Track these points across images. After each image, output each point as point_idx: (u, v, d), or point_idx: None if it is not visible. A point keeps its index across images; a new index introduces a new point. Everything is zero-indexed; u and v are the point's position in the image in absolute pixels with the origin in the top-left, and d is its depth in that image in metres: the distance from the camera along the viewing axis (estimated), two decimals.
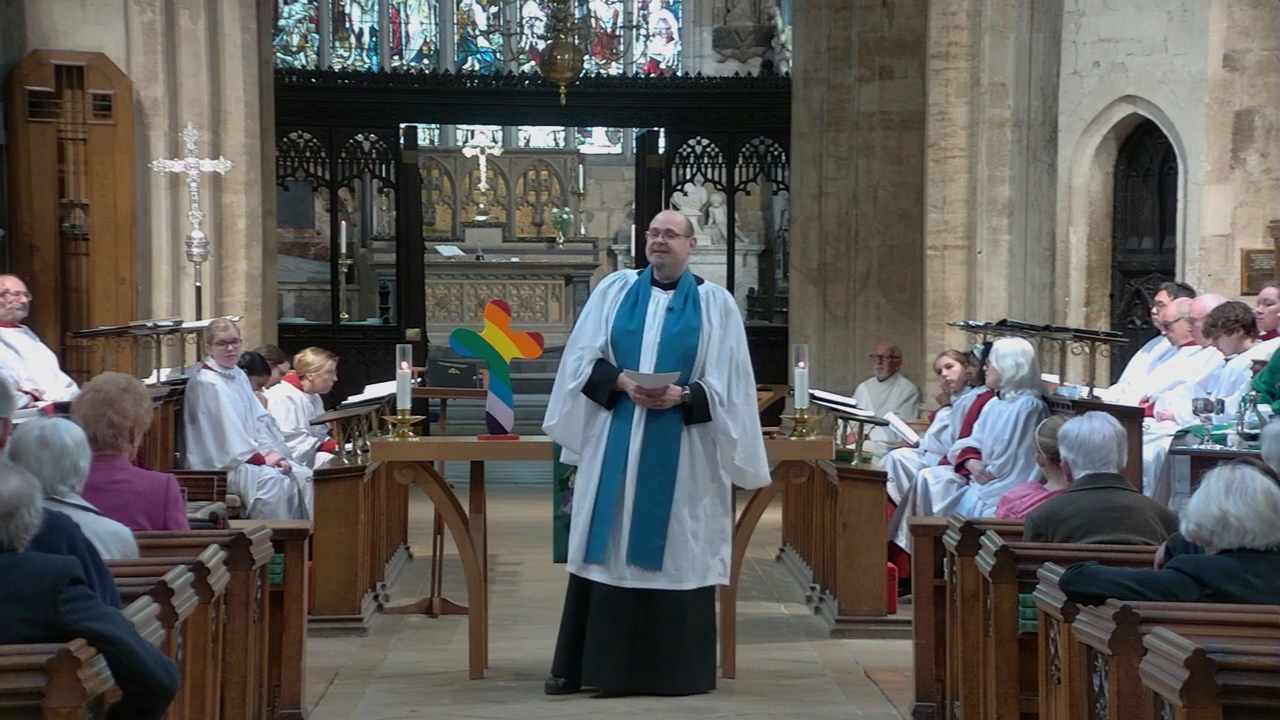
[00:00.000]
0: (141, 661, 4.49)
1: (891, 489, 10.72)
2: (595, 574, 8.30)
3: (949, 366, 11.96)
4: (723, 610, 8.84)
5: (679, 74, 26.30)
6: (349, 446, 11.18)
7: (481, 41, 30.17)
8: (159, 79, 14.80)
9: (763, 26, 27.80)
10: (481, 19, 30.18)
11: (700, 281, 8.57)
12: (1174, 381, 10.24)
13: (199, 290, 14.33)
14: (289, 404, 12.29)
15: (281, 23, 28.58)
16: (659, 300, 8.44)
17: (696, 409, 8.29)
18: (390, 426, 9.09)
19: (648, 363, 8.34)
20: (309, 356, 12.77)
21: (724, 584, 8.55)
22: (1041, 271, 13.92)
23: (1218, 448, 8.87)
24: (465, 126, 28.68)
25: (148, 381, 10.57)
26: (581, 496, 8.37)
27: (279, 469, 11.15)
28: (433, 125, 27.92)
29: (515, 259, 27.33)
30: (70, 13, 14.59)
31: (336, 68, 27.44)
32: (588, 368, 8.34)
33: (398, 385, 8.95)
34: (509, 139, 29.52)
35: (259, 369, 12.02)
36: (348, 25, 29.96)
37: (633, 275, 8.59)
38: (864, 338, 17.68)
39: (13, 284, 11.12)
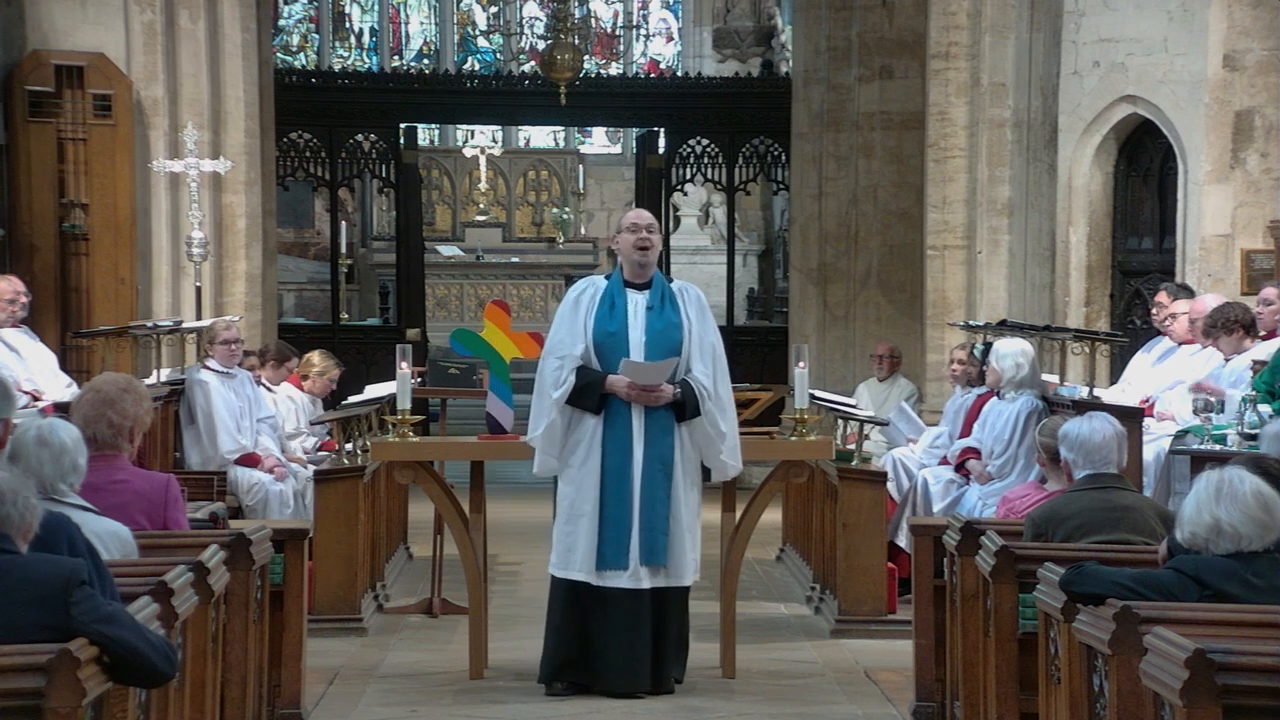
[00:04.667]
0: (146, 659, 4.56)
1: (891, 489, 10.72)
2: (612, 580, 8.30)
3: (961, 362, 11.92)
4: (723, 610, 8.85)
5: (679, 74, 26.29)
6: (349, 446, 11.18)
7: (481, 41, 30.17)
8: (159, 79, 14.79)
9: (763, 26, 27.79)
10: (481, 19, 30.19)
11: (670, 280, 8.62)
12: (1174, 381, 10.24)
13: (199, 290, 14.33)
14: (290, 404, 12.31)
15: (281, 23, 28.58)
16: (636, 301, 8.46)
17: (688, 405, 8.31)
18: (390, 426, 9.09)
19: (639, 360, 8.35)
20: (315, 359, 12.79)
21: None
22: (1041, 271, 13.91)
23: (1218, 448, 8.87)
24: (465, 126, 28.67)
25: (148, 381, 10.56)
26: (577, 504, 8.35)
27: (271, 475, 11.13)
28: (433, 125, 27.91)
29: (515, 259, 27.32)
30: (70, 13, 14.58)
31: (336, 68, 27.44)
32: (570, 375, 8.31)
33: (398, 385, 8.95)
34: (509, 139, 29.53)
35: (287, 356, 12.29)
36: (348, 25, 29.97)
37: (602, 280, 8.59)
38: (864, 338, 17.67)
39: (14, 285, 11.09)
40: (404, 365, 8.88)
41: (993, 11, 14.63)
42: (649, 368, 8.30)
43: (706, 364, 8.39)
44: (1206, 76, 12.43)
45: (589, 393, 8.29)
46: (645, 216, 8.67)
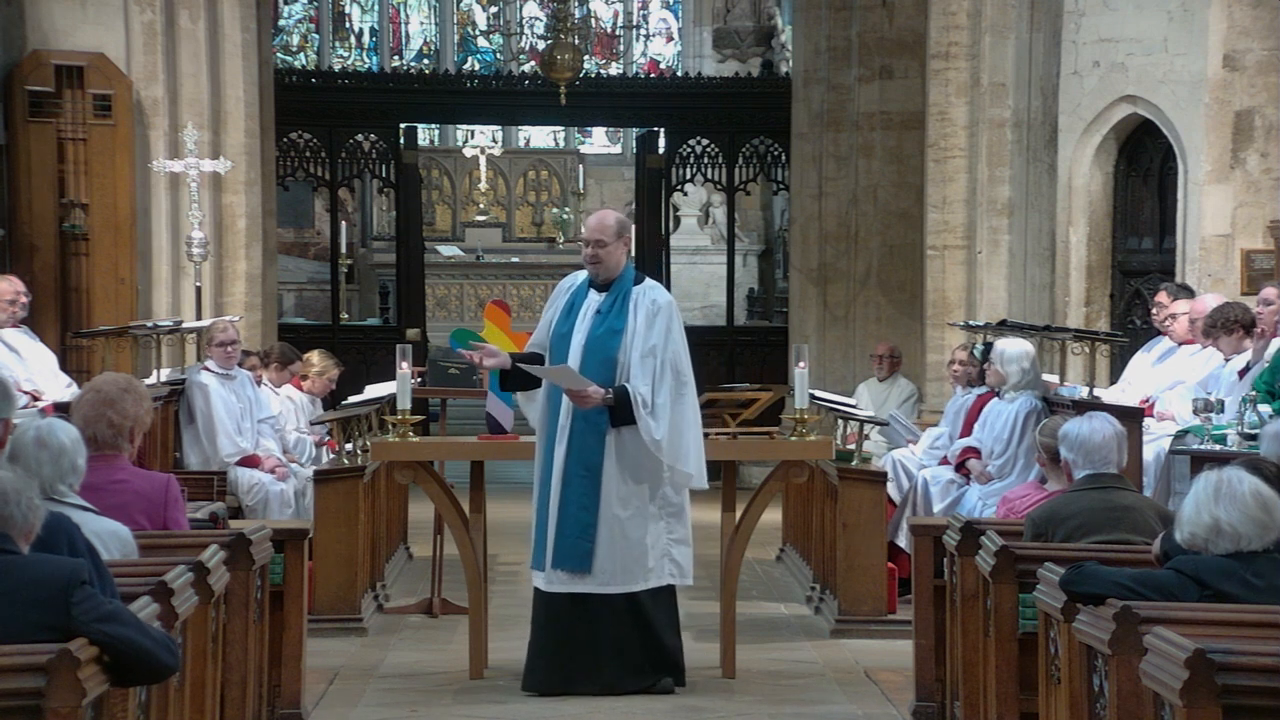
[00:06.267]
0: (150, 654, 4.57)
1: (891, 489, 10.72)
2: (536, 580, 8.38)
3: (961, 362, 11.93)
4: (723, 610, 8.85)
5: (679, 74, 26.28)
6: (349, 446, 11.18)
7: (481, 41, 30.16)
8: (159, 79, 14.79)
9: (763, 26, 27.77)
10: (481, 19, 30.18)
11: (640, 281, 8.49)
12: (1174, 381, 10.24)
13: (199, 290, 14.33)
14: (289, 404, 12.31)
15: (281, 23, 28.57)
16: (591, 303, 8.44)
17: (620, 410, 8.25)
18: (390, 426, 9.09)
19: (573, 366, 8.33)
20: (314, 358, 12.80)
21: (682, 584, 8.48)
22: (1041, 271, 13.91)
23: (1218, 448, 8.87)
24: (465, 126, 28.67)
25: (148, 381, 10.56)
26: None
27: (273, 476, 11.13)
28: (433, 125, 27.91)
29: (515, 259, 27.32)
30: (70, 13, 14.58)
31: (336, 68, 27.43)
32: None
33: (398, 385, 8.95)
34: (509, 139, 29.52)
35: (291, 359, 12.35)
36: (348, 25, 29.95)
37: (582, 276, 8.59)
38: (864, 338, 17.67)
39: (14, 285, 11.09)
40: (404, 365, 8.88)
41: (993, 11, 14.63)
42: (550, 372, 8.33)
43: (646, 371, 8.25)
44: (1206, 76, 12.42)
45: (507, 376, 8.51)
46: (598, 229, 8.42)
